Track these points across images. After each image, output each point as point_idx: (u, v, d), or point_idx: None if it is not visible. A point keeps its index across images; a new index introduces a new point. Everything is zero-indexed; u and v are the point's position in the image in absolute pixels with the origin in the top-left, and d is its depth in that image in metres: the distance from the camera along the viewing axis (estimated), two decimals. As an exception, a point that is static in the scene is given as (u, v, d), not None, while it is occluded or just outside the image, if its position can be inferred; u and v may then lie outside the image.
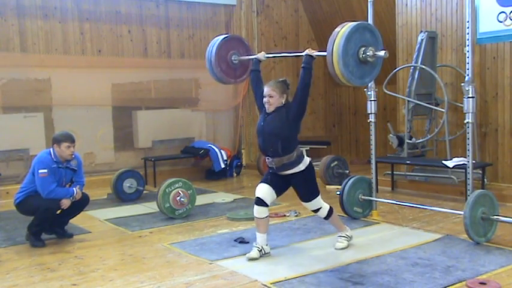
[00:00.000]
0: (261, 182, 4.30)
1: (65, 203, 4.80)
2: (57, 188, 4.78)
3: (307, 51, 4.18)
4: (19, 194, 4.88)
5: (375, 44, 3.88)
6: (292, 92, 4.22)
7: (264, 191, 4.22)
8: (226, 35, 4.85)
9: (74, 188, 4.88)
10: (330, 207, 4.41)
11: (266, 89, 4.16)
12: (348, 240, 4.44)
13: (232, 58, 4.78)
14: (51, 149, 4.85)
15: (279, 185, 4.25)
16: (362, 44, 3.81)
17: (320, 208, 4.33)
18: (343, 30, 3.75)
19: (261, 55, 4.54)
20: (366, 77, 3.92)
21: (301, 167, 4.17)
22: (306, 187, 4.23)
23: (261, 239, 4.27)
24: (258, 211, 4.21)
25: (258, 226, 4.28)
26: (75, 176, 4.99)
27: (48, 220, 4.80)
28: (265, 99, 4.18)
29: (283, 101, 4.16)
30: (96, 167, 8.32)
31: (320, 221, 5.05)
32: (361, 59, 3.81)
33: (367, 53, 3.80)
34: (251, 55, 4.79)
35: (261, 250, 4.25)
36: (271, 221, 5.48)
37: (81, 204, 4.99)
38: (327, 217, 4.39)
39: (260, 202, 4.20)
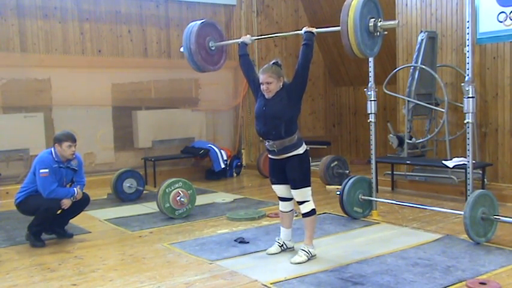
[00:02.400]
0: (272, 184, 4.36)
1: (66, 203, 4.80)
2: (58, 188, 4.78)
3: (306, 29, 4.15)
4: (20, 193, 4.88)
5: (379, 14, 3.95)
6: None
7: (280, 190, 4.31)
8: (201, 20, 4.67)
9: (75, 188, 4.89)
10: (315, 210, 4.24)
11: (262, 76, 4.07)
12: (307, 257, 4.11)
13: (210, 44, 4.65)
14: (52, 149, 4.85)
15: (284, 175, 4.21)
16: (371, 15, 3.87)
17: (306, 202, 4.17)
18: (354, 3, 3.79)
19: (247, 38, 4.44)
20: (374, 47, 3.99)
21: (300, 150, 4.14)
22: (300, 172, 4.13)
23: (284, 233, 4.39)
24: (282, 205, 4.35)
25: (282, 220, 4.40)
26: (75, 176, 4.99)
27: (48, 220, 4.80)
28: (263, 87, 4.09)
29: (281, 84, 4.11)
30: (96, 167, 8.32)
31: (320, 221, 5.04)
32: (370, 30, 3.87)
33: (378, 24, 3.88)
34: (226, 40, 4.74)
35: (282, 245, 4.36)
36: (271, 220, 5.50)
37: (81, 204, 4.99)
38: (307, 215, 4.19)
39: (283, 198, 4.34)
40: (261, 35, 4.71)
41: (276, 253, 4.34)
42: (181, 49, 4.57)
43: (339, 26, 3.87)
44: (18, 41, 7.72)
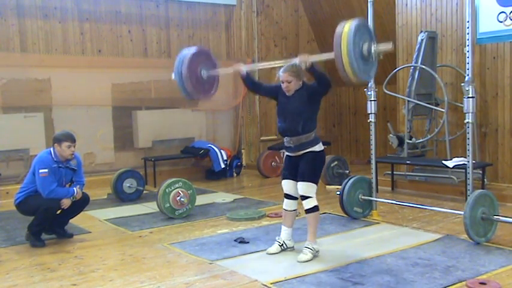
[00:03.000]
0: (282, 178, 4.41)
1: (66, 202, 4.80)
2: (58, 187, 4.78)
3: (299, 60, 4.05)
4: (19, 194, 4.88)
5: (371, 38, 3.88)
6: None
7: (288, 186, 4.36)
8: (195, 48, 4.52)
9: (75, 188, 4.89)
10: (318, 207, 4.31)
11: (283, 75, 4.17)
12: (312, 253, 4.17)
13: (202, 73, 4.48)
14: (52, 149, 4.85)
15: (296, 172, 4.30)
16: (363, 40, 3.81)
17: (310, 198, 4.22)
18: (346, 30, 3.71)
19: (241, 69, 4.41)
20: (370, 71, 3.93)
21: (316, 148, 4.26)
22: (311, 167, 4.23)
23: (284, 233, 4.42)
24: (287, 203, 4.39)
25: (285, 219, 4.44)
26: (75, 175, 4.99)
27: (48, 220, 4.80)
28: (283, 85, 4.21)
29: (301, 83, 4.21)
30: (96, 167, 8.32)
31: (320, 221, 5.04)
32: (365, 55, 3.79)
33: (372, 49, 3.80)
34: (218, 68, 4.63)
35: (282, 245, 4.38)
36: (271, 221, 5.51)
37: (81, 204, 4.99)
38: (310, 211, 4.24)
39: (288, 196, 4.37)
40: (254, 62, 4.66)
41: (276, 253, 4.35)
42: (172, 76, 4.46)
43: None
44: (18, 41, 7.72)
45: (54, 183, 4.76)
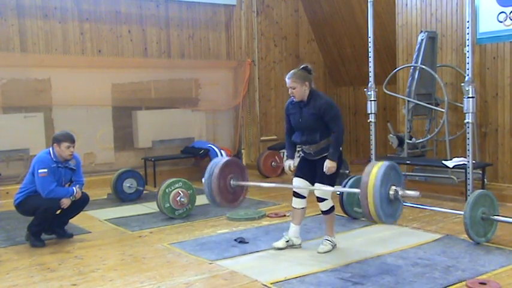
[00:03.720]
0: (294, 176, 4.48)
1: (65, 202, 4.80)
2: (57, 187, 4.78)
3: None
4: (19, 194, 4.88)
5: (399, 182, 3.76)
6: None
7: (299, 183, 4.43)
8: (226, 160, 4.45)
9: (74, 188, 4.89)
10: (334, 206, 4.47)
11: (287, 81, 4.26)
12: (332, 246, 4.39)
13: (231, 182, 4.43)
14: (51, 149, 4.85)
15: (311, 174, 4.38)
16: (391, 183, 3.68)
17: (326, 200, 4.36)
18: (375, 171, 3.59)
19: (287, 167, 4.48)
20: (396, 213, 3.76)
21: None
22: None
23: (292, 230, 4.49)
24: (295, 202, 4.46)
25: (294, 216, 4.51)
26: (74, 175, 4.99)
27: (48, 220, 4.80)
28: (290, 91, 4.28)
29: (307, 88, 4.25)
30: (96, 167, 8.32)
31: (320, 221, 5.04)
32: (391, 198, 3.65)
33: (398, 193, 3.66)
34: (247, 175, 4.62)
35: (288, 241, 4.46)
36: (271, 221, 5.50)
37: (81, 203, 4.99)
38: (327, 212, 4.41)
39: (297, 194, 4.45)
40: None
41: (282, 248, 4.43)
42: (203, 180, 4.45)
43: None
44: (18, 41, 7.72)
45: (53, 183, 4.76)
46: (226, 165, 4.37)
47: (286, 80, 4.27)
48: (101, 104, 8.31)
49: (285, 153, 4.59)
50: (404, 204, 5.59)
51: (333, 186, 4.34)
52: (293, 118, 4.39)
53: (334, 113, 4.24)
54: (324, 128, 4.27)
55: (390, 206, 3.65)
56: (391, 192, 3.63)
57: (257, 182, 4.67)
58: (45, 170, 4.72)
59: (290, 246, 4.47)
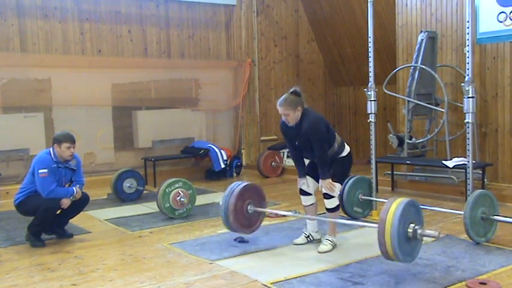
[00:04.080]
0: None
1: (65, 202, 4.80)
2: (58, 187, 4.78)
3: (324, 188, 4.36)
4: (19, 194, 4.88)
5: (419, 219, 3.70)
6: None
7: (306, 181, 4.52)
8: (245, 184, 4.50)
9: (74, 188, 4.89)
10: (339, 205, 4.60)
11: (280, 109, 4.29)
12: (332, 245, 4.41)
13: (248, 208, 4.49)
14: (51, 149, 4.85)
15: (318, 173, 4.42)
16: (410, 221, 3.61)
17: (333, 198, 4.43)
18: (393, 209, 3.53)
19: (300, 184, 4.56)
20: (414, 252, 3.67)
21: (343, 154, 4.50)
22: (340, 169, 4.47)
23: (310, 225, 4.61)
24: (303, 200, 4.60)
25: (306, 213, 4.64)
26: (74, 175, 4.99)
27: (48, 220, 4.80)
28: (283, 118, 4.33)
29: (300, 112, 4.28)
30: (96, 167, 8.32)
31: (320, 222, 5.04)
32: (409, 236, 3.59)
33: (417, 231, 3.60)
34: (265, 201, 4.68)
35: (308, 236, 4.56)
36: (271, 221, 5.50)
37: (81, 203, 4.99)
38: (332, 210, 4.47)
39: (303, 192, 4.56)
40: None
41: (302, 244, 4.54)
42: (220, 202, 4.50)
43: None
44: (18, 41, 7.72)
45: (53, 184, 4.76)
46: (246, 189, 4.47)
47: (278, 107, 4.29)
48: (101, 104, 8.31)
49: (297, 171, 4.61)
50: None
51: (342, 184, 4.55)
52: (291, 137, 4.45)
53: (317, 138, 4.27)
54: (323, 144, 4.34)
55: (408, 244, 3.58)
56: (410, 230, 3.56)
57: (274, 210, 4.70)
58: (46, 171, 4.72)
59: (310, 241, 4.57)
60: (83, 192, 4.97)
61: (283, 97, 4.29)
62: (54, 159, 4.81)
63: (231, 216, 4.37)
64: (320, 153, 4.29)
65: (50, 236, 4.99)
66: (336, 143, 4.42)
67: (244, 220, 4.48)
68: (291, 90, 4.33)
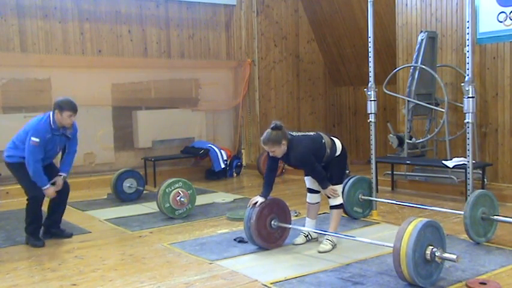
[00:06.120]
0: (306, 175, 4.64)
1: (50, 193, 4.76)
2: (39, 165, 4.66)
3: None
4: (12, 150, 4.81)
5: (439, 238, 3.58)
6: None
7: (311, 181, 4.61)
8: (269, 199, 4.45)
9: (49, 185, 4.76)
10: (343, 204, 4.67)
11: (266, 147, 4.30)
12: (332, 245, 4.42)
13: (272, 222, 4.46)
14: (51, 114, 4.72)
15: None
16: (429, 242, 3.50)
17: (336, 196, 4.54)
18: (410, 228, 3.45)
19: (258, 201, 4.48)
20: (432, 276, 3.54)
21: (338, 153, 4.54)
22: (337, 170, 4.54)
23: (309, 224, 4.66)
24: (309, 197, 4.67)
25: (308, 211, 4.69)
26: (69, 143, 4.94)
27: (38, 213, 4.75)
28: (271, 154, 4.35)
29: (285, 146, 4.30)
30: (96, 167, 8.32)
31: (320, 222, 5.04)
32: (427, 258, 3.47)
33: (436, 254, 3.48)
34: (290, 217, 4.67)
35: (307, 236, 4.62)
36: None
37: (64, 195, 4.96)
38: (335, 207, 4.55)
39: (311, 190, 4.65)
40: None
41: (302, 243, 4.57)
42: (244, 220, 4.48)
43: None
44: (18, 41, 7.72)
45: (39, 155, 4.65)
46: (275, 202, 4.52)
47: (263, 145, 4.31)
48: (101, 104, 8.30)
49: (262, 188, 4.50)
50: (403, 204, 5.66)
51: (341, 183, 4.63)
52: (282, 160, 4.43)
53: (308, 165, 4.37)
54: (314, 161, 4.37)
55: (426, 267, 3.47)
56: (428, 252, 3.45)
57: (296, 225, 4.70)
58: (38, 140, 4.62)
59: (309, 240, 4.63)
60: (64, 183, 4.91)
61: (265, 135, 4.25)
62: (53, 126, 4.70)
63: (255, 233, 4.36)
64: (314, 174, 4.42)
65: (50, 238, 4.96)
66: (328, 148, 4.40)
67: (264, 230, 4.43)
68: (272, 125, 4.26)
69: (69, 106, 4.69)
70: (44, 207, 4.97)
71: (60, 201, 4.95)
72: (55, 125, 4.73)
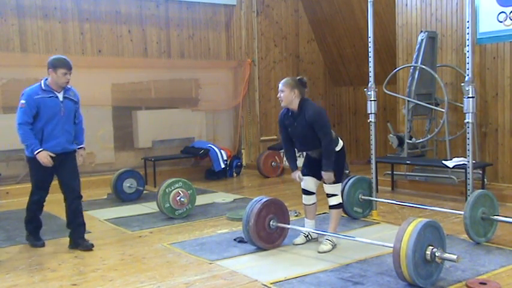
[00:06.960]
0: (302, 175, 4.59)
1: (43, 158, 4.42)
2: (28, 128, 4.46)
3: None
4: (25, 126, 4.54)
5: (439, 239, 3.58)
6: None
7: (306, 182, 4.58)
8: (266, 199, 4.47)
9: (78, 153, 4.70)
10: (342, 204, 4.63)
11: (279, 86, 4.40)
12: (332, 245, 4.41)
13: (271, 223, 4.45)
14: (43, 80, 4.51)
15: (318, 171, 4.47)
16: (429, 243, 3.50)
17: (335, 196, 4.51)
18: (410, 228, 3.44)
19: (296, 178, 4.58)
20: (432, 276, 3.54)
21: (337, 148, 4.48)
22: (335, 168, 4.43)
23: (308, 225, 4.64)
24: (305, 199, 4.64)
25: (306, 212, 4.67)
26: (78, 110, 4.73)
27: (36, 213, 4.72)
28: (278, 95, 4.43)
29: (294, 95, 4.32)
30: (96, 167, 8.32)
31: (320, 221, 5.04)
32: (427, 259, 3.47)
33: (436, 254, 3.47)
34: (289, 218, 4.66)
35: (307, 236, 4.61)
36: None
37: (79, 213, 4.73)
38: (335, 207, 4.53)
39: (306, 192, 4.62)
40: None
41: (302, 243, 4.56)
42: (243, 218, 4.45)
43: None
44: (18, 41, 7.71)
45: (26, 118, 4.43)
46: (273, 203, 4.50)
47: (279, 84, 4.41)
48: (101, 104, 8.30)
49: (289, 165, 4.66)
50: (403, 204, 5.66)
51: (341, 181, 4.56)
52: (289, 128, 4.47)
53: (322, 123, 4.29)
54: (317, 137, 4.36)
55: (426, 267, 3.47)
56: (428, 252, 3.46)
57: (295, 226, 4.69)
58: (24, 102, 4.43)
59: (309, 240, 4.62)
60: (77, 204, 4.70)
61: (288, 77, 4.43)
62: (44, 88, 4.45)
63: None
64: (326, 141, 4.29)
65: (49, 236, 4.97)
66: (333, 133, 4.47)
67: (262, 231, 4.42)
68: (299, 77, 4.43)
69: (62, 63, 4.42)
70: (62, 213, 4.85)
71: (71, 171, 4.67)
72: (47, 87, 4.46)
